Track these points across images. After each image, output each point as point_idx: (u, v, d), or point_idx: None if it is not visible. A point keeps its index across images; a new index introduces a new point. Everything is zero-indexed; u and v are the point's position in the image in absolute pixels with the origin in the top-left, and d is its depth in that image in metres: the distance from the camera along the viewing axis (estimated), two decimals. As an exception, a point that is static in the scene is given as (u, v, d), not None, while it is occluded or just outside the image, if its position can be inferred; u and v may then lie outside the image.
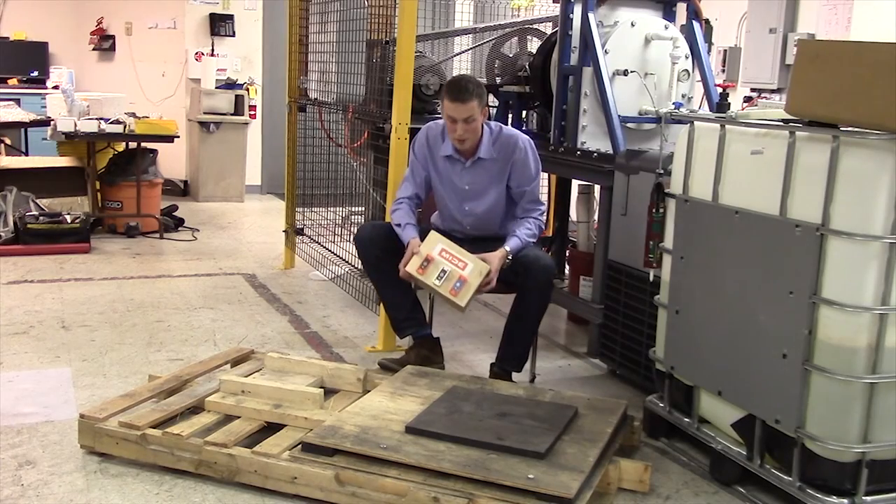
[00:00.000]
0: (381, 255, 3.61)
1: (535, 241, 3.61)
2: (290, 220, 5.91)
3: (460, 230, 3.75)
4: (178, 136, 6.80)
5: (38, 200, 6.22)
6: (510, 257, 3.46)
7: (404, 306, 3.68)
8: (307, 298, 5.11)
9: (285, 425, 2.95)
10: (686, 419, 3.12)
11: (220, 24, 8.56)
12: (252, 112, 8.63)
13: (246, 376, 3.28)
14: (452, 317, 4.55)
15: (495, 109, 4.76)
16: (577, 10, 4.12)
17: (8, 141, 7.43)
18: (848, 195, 2.47)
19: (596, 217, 4.31)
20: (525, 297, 3.52)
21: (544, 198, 3.85)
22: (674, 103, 3.95)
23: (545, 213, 3.68)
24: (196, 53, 8.55)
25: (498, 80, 4.92)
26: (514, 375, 3.61)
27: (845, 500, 2.56)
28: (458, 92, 3.46)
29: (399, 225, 3.60)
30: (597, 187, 4.36)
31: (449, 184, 3.70)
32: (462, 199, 3.70)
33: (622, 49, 4.08)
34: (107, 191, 6.71)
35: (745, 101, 6.99)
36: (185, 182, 8.85)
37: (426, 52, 5.48)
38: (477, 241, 3.67)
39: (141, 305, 4.74)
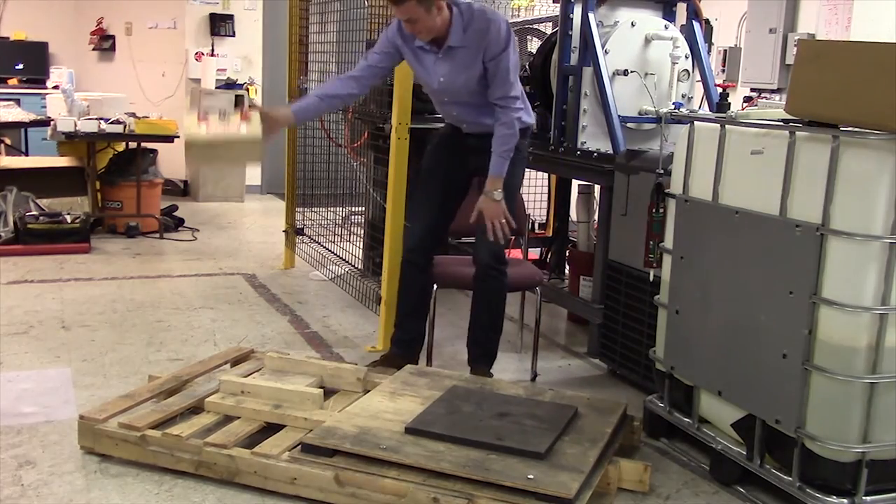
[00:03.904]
0: (425, 289, 3.64)
1: (512, 144, 3.37)
2: (290, 220, 5.91)
3: (455, 125, 3.65)
4: (179, 136, 6.79)
5: (38, 200, 6.21)
6: (498, 190, 3.32)
7: (410, 332, 3.70)
8: (307, 298, 5.10)
9: (285, 426, 2.95)
10: (686, 419, 3.12)
11: (220, 24, 8.54)
12: (252, 112, 8.62)
13: (246, 376, 3.27)
14: (452, 317, 4.54)
15: None
16: (577, 10, 4.12)
17: (8, 141, 7.43)
18: (848, 195, 2.47)
19: (596, 217, 4.31)
20: (475, 293, 3.53)
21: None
22: (674, 103, 3.95)
23: (522, 108, 3.42)
24: (196, 53, 8.54)
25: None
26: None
27: (845, 500, 2.56)
28: None
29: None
30: (597, 187, 4.36)
31: (426, 77, 3.53)
32: (441, 93, 3.54)
33: (622, 49, 4.08)
34: (107, 191, 6.70)
35: (745, 101, 6.99)
36: (185, 182, 8.84)
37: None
38: (475, 139, 3.54)
39: (141, 305, 4.74)
